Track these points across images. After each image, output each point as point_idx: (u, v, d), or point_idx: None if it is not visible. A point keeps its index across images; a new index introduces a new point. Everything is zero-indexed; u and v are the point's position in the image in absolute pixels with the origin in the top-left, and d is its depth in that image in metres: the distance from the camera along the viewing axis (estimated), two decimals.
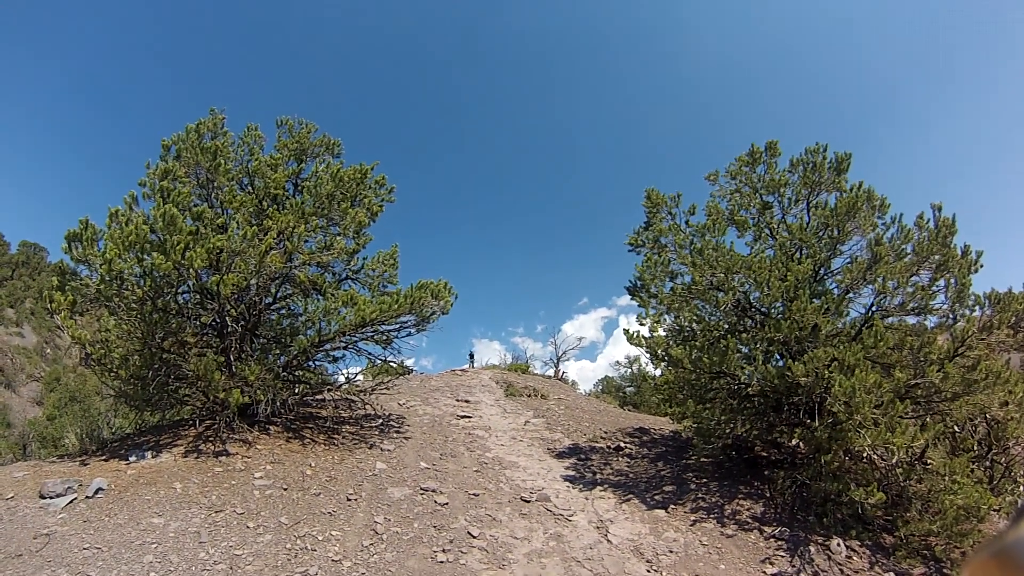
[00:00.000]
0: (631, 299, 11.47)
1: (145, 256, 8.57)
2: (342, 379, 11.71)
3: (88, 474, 7.84)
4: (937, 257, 8.49)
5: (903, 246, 8.83)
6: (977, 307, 8.44)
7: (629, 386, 28.90)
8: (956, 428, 9.10)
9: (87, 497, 7.22)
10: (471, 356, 29.13)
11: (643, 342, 10.85)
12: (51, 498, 7.10)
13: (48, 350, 52.29)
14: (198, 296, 9.82)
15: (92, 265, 8.69)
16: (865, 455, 8.58)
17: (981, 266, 8.40)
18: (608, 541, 8.03)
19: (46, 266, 59.55)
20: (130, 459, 8.40)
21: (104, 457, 8.58)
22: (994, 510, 7.97)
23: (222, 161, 10.00)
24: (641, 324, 11.16)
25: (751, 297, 10.14)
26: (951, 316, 8.61)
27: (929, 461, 8.78)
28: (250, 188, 11.01)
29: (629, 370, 29.67)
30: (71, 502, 7.10)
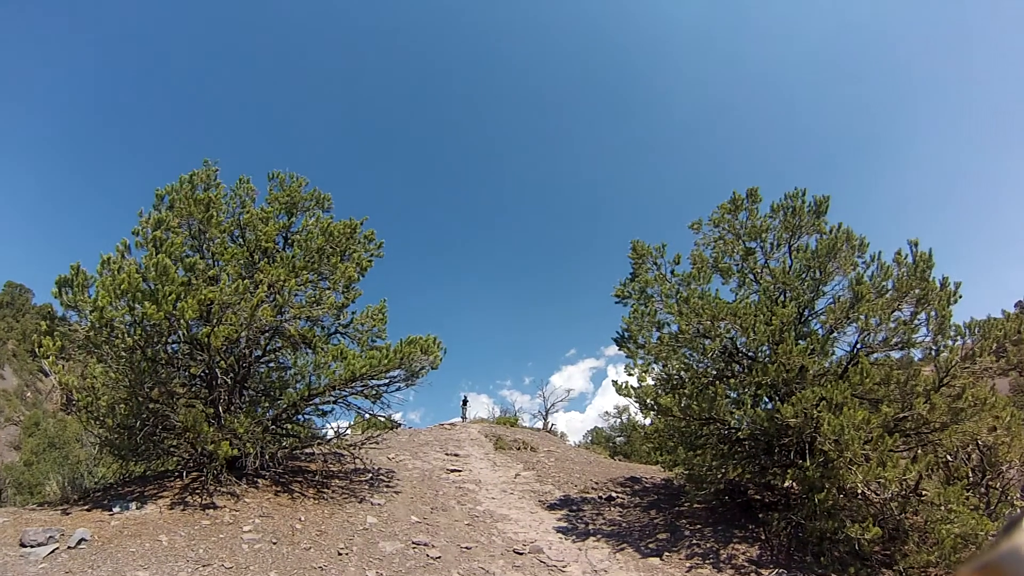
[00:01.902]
0: (619, 350, 11.59)
1: (136, 305, 8.55)
2: (331, 433, 11.52)
3: (70, 523, 7.57)
4: (917, 291, 8.78)
5: (883, 283, 9.15)
6: (959, 337, 8.70)
7: (619, 436, 28.61)
8: (948, 457, 9.16)
9: (69, 547, 6.96)
10: (464, 403, 27.91)
11: (632, 392, 10.91)
12: (32, 547, 6.84)
13: (29, 394, 50.74)
14: (187, 347, 9.76)
15: (82, 312, 8.65)
16: (859, 491, 8.57)
17: (960, 297, 8.70)
18: None
19: (31, 308, 58.55)
20: (113, 510, 8.13)
21: (86, 507, 8.30)
22: (992, 536, 7.96)
23: (215, 213, 10.15)
24: (629, 374, 11.24)
25: (738, 343, 10.32)
26: (934, 348, 8.85)
27: (924, 492, 8.78)
28: (241, 240, 11.12)
29: (618, 420, 29.54)
30: (53, 551, 6.84)
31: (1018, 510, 8.75)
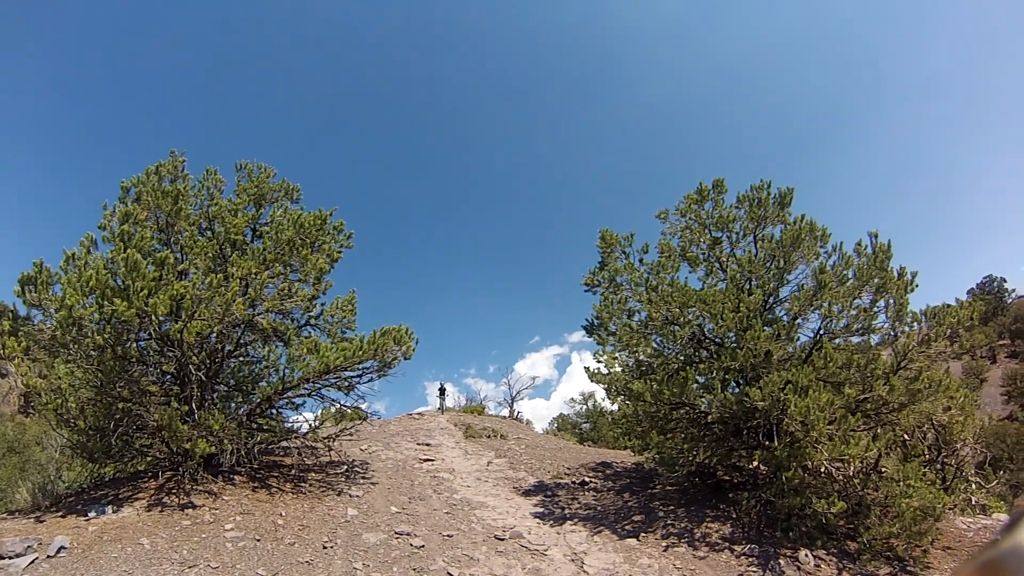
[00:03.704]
0: (589, 337, 11.84)
1: (105, 302, 8.27)
2: (304, 426, 11.44)
3: (47, 531, 7.34)
4: (876, 280, 9.30)
5: (845, 272, 9.63)
6: (915, 323, 9.27)
7: (585, 422, 29.11)
8: (906, 436, 9.80)
9: (49, 556, 6.77)
10: (441, 392, 26.13)
11: (603, 379, 11.19)
12: (11, 558, 6.62)
13: None
14: (157, 344, 9.50)
15: (47, 310, 8.33)
16: (823, 469, 9.08)
17: (916, 286, 9.27)
18: (585, 572, 8.13)
19: None
20: (89, 515, 7.92)
21: (60, 513, 8.06)
22: (948, 509, 8.60)
23: (183, 205, 9.86)
24: (598, 361, 11.51)
25: (706, 329, 10.68)
26: (892, 333, 9.42)
27: (883, 469, 9.38)
28: (210, 233, 10.84)
29: (584, 407, 30.00)
30: (32, 562, 6.64)
31: (973, 485, 9.48)
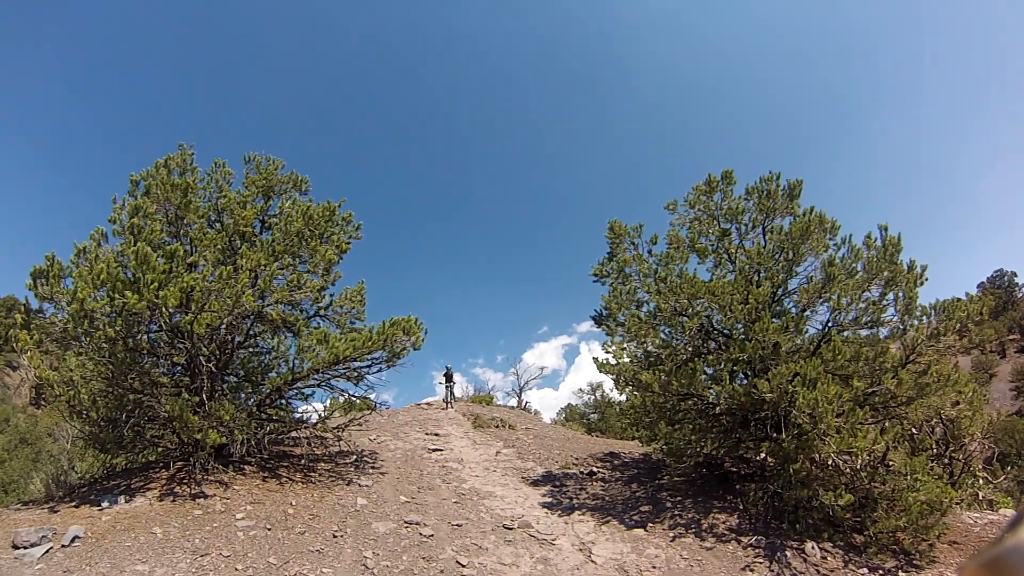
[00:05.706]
0: (598, 327, 11.84)
1: (116, 295, 8.34)
2: (314, 417, 11.55)
3: (60, 521, 7.45)
4: (886, 273, 9.26)
5: (854, 265, 9.59)
6: (924, 317, 9.23)
7: (593, 413, 29.10)
8: (914, 430, 9.80)
9: (63, 546, 6.86)
10: (448, 378, 22.96)
11: (612, 369, 11.20)
12: (26, 548, 6.72)
13: None
14: (167, 335, 9.58)
15: (58, 303, 8.40)
16: (831, 462, 9.09)
17: (926, 279, 9.21)
18: (593, 562, 8.19)
19: None
20: (102, 505, 8.03)
21: (73, 503, 8.16)
22: (955, 503, 8.61)
23: (192, 198, 9.90)
24: (607, 351, 11.52)
25: (714, 320, 10.66)
26: (901, 327, 9.37)
27: (891, 462, 9.39)
28: (219, 225, 10.89)
29: (592, 397, 29.96)
30: (47, 551, 6.74)
31: (980, 480, 9.47)
